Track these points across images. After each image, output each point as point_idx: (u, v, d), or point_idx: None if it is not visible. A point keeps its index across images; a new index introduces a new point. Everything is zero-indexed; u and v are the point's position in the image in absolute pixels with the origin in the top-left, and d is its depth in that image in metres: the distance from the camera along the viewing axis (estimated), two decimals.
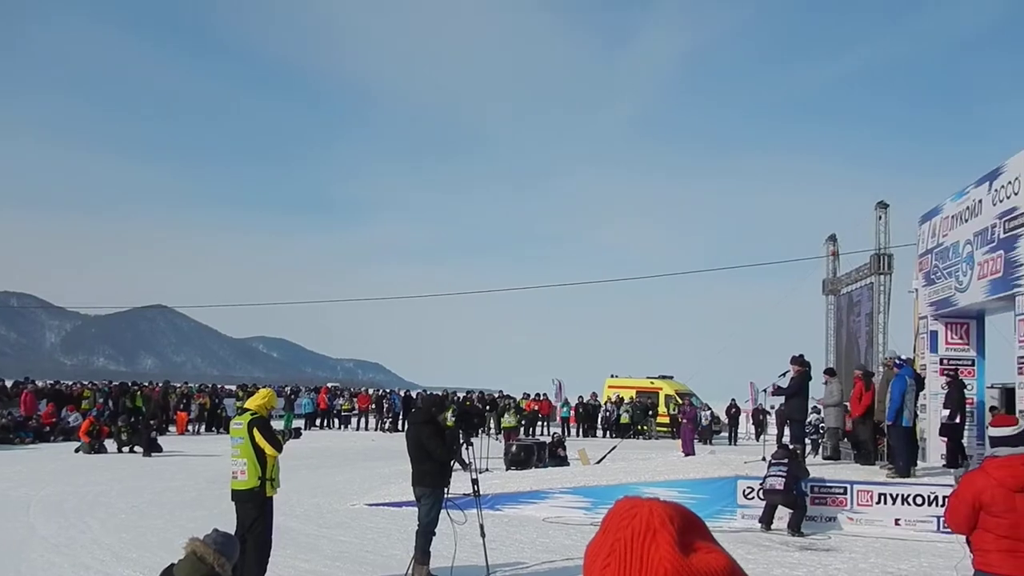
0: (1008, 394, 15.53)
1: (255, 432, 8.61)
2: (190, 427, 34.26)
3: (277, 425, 18.37)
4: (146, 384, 39.24)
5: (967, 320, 16.34)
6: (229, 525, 7.96)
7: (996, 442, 5.68)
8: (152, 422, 28.75)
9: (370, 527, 13.49)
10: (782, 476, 13.63)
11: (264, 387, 12.72)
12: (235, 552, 5.68)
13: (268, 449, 8.61)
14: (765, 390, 16.25)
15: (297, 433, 10.24)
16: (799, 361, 15.26)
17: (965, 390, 15.50)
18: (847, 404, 16.95)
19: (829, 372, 17.09)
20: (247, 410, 8.88)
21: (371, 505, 15.71)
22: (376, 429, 39.60)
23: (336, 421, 40.89)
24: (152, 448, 25.08)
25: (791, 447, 14.58)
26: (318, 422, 40.07)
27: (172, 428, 33.42)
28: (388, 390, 49.01)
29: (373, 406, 41.54)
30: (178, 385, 38.89)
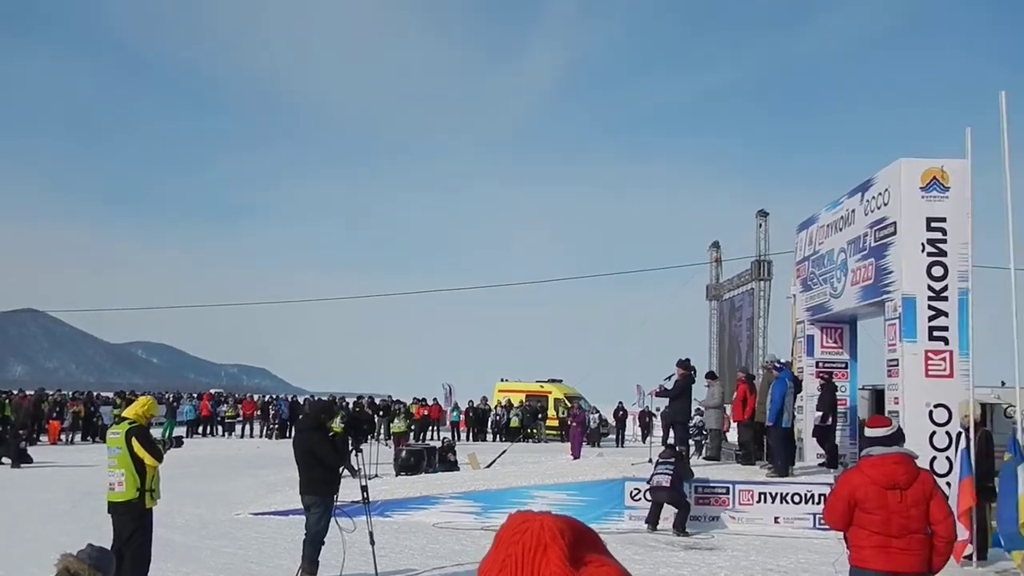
0: (878, 395, 16.19)
1: (134, 441, 8.28)
2: (63, 436, 32.79)
3: (157, 433, 17.80)
4: (15, 392, 37.41)
5: (841, 325, 17.03)
6: (105, 539, 7.67)
7: (871, 442, 5.90)
8: (21, 432, 27.38)
9: (255, 537, 13.15)
10: (668, 474, 13.89)
11: (143, 394, 12.27)
12: (111, 567, 5.43)
13: (148, 459, 8.30)
14: (651, 393, 16.56)
15: (179, 442, 9.89)
16: (684, 365, 15.61)
17: (837, 392, 16.12)
18: (728, 406, 17.43)
19: (710, 376, 17.55)
20: (125, 419, 8.55)
21: (256, 514, 15.33)
22: (262, 436, 38.77)
23: (220, 428, 39.87)
24: (21, 459, 23.89)
25: (677, 448, 14.88)
26: (201, 429, 39.01)
27: (44, 438, 31.89)
28: (274, 396, 48.00)
29: (259, 412, 40.66)
30: (51, 392, 37.15)
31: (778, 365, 15.06)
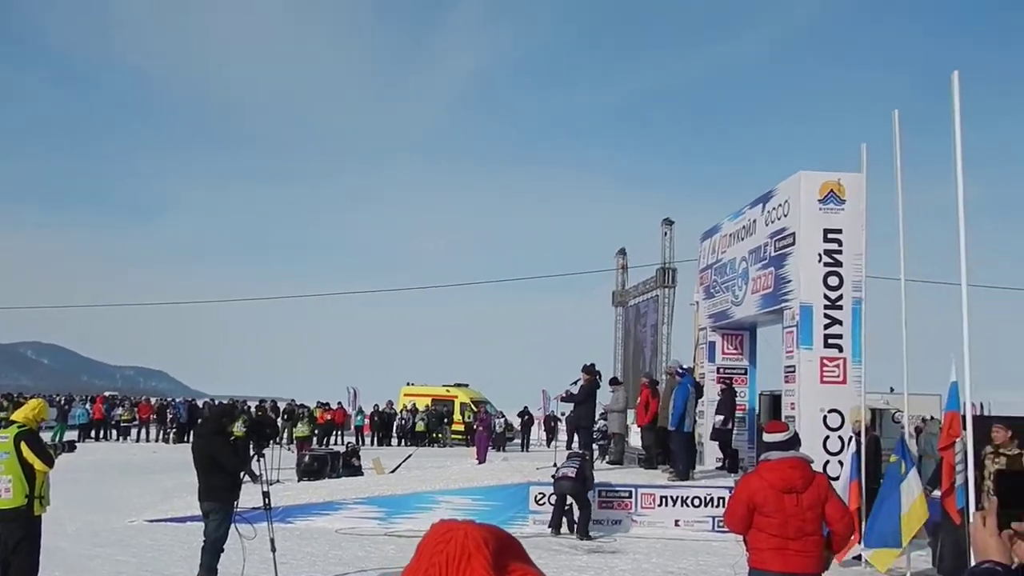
0: (775, 400, 16.50)
1: (23, 446, 7.94)
2: None
3: (47, 438, 17.07)
4: None
5: (741, 332, 17.48)
6: None
7: (768, 447, 6.05)
8: None
9: (151, 545, 12.74)
10: (575, 467, 13.98)
11: (33, 397, 11.78)
12: None
13: (38, 464, 7.96)
14: (557, 398, 16.69)
15: (71, 446, 9.53)
16: (589, 370, 15.76)
17: (737, 397, 16.53)
18: (631, 411, 17.68)
19: (614, 382, 17.73)
20: (13, 422, 8.19)
21: (152, 521, 14.89)
22: (158, 440, 37.67)
23: (114, 432, 38.55)
24: None
25: (582, 452, 15.01)
26: (94, 434, 37.65)
27: None
28: (172, 399, 46.71)
29: (155, 416, 39.46)
30: None
31: (680, 371, 15.32)
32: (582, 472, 13.98)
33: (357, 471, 21.13)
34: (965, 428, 8.71)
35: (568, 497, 14.07)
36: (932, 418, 18.87)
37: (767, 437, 6.02)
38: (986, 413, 18.37)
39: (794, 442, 6.02)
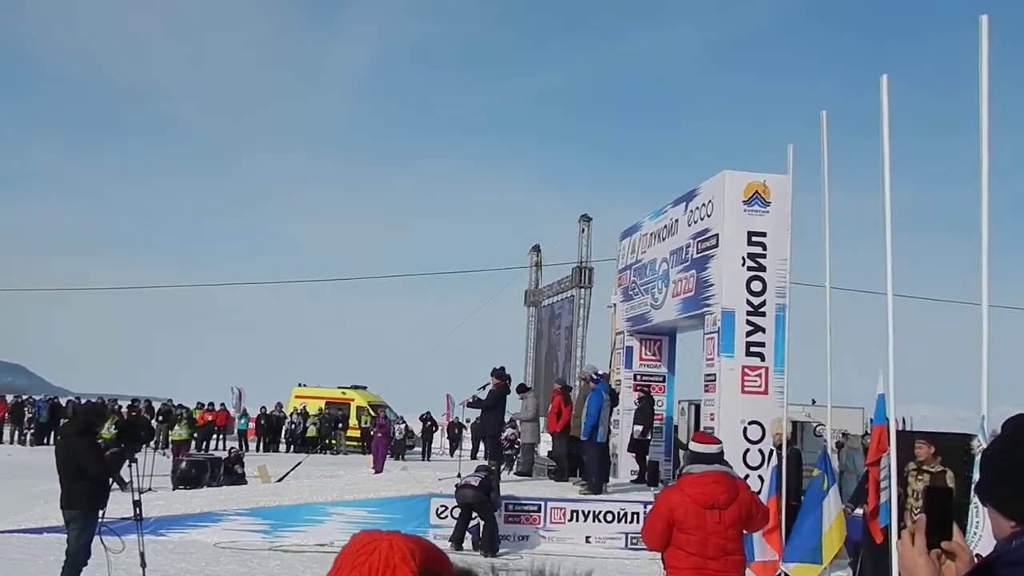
0: (696, 410, 16.81)
1: None
2: None
3: None
4: None
5: (660, 337, 17.69)
6: None
7: (695, 458, 6.05)
8: None
9: (2, 558, 12.16)
10: (480, 477, 13.96)
11: None
12: None
13: None
14: (463, 403, 16.58)
15: None
16: (499, 374, 15.70)
17: (655, 406, 16.72)
18: (543, 419, 17.70)
19: (522, 388, 17.69)
20: None
21: (4, 532, 14.24)
22: (14, 442, 36.23)
23: None
24: None
25: (489, 464, 14.95)
26: None
27: None
28: (30, 396, 44.99)
29: (10, 415, 37.90)
30: None
31: (595, 376, 15.35)
32: (487, 483, 13.91)
33: (240, 479, 20.67)
34: (890, 443, 8.87)
35: (472, 511, 13.97)
36: (853, 434, 19.39)
37: (695, 447, 6.05)
38: (908, 428, 18.83)
39: (721, 455, 6.06)
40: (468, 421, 30.09)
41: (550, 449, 17.79)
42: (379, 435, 25.95)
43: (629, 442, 16.56)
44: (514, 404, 16.98)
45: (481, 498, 13.78)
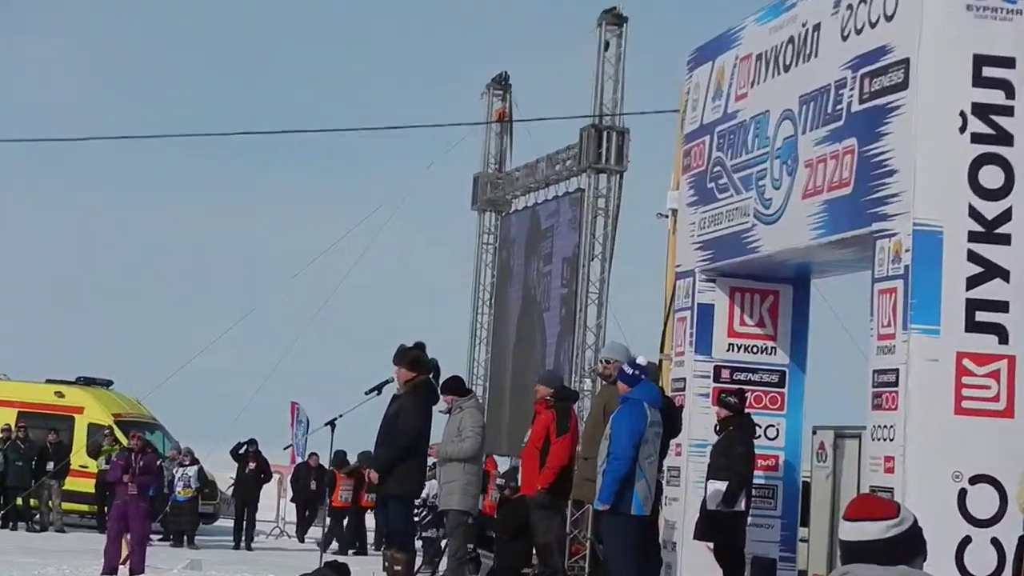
0: (850, 446, 13.43)
1: None
2: None
3: None
4: None
5: (774, 286, 13.53)
6: None
7: (851, 554, 3.85)
8: None
9: None
10: None
11: None
12: None
13: None
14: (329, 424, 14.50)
15: None
16: (413, 359, 12.77)
17: (756, 435, 12.69)
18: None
19: (456, 389, 13.84)
20: None
21: None
22: None
23: None
24: None
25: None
26: None
27: None
28: None
29: None
30: None
31: (630, 370, 11.09)
32: None
33: None
34: None
35: None
36: None
37: (848, 531, 3.72)
38: None
39: (905, 544, 3.62)
40: (341, 461, 22.06)
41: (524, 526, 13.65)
42: (131, 486, 18.13)
43: (700, 517, 12.09)
44: (440, 423, 12.89)
45: None
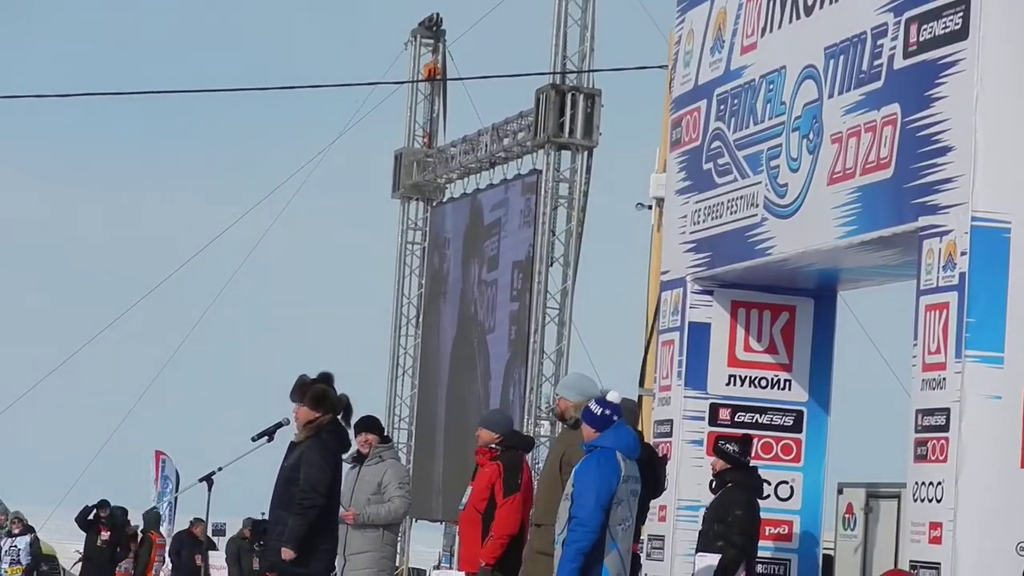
0: (886, 508, 13.15)
1: None
2: None
3: None
4: None
5: (789, 300, 12.43)
6: None
7: None
8: None
9: None
10: None
11: None
12: None
13: None
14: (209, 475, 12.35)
15: None
16: (318, 394, 10.50)
17: (762, 493, 11.35)
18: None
19: (369, 428, 12.19)
20: None
21: None
22: None
23: None
24: None
25: None
26: None
27: None
28: None
29: None
30: None
31: (599, 410, 9.10)
32: None
33: None
34: None
35: None
36: None
37: None
38: None
39: None
40: (260, 532, 19.00)
41: None
42: None
43: None
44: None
45: None
